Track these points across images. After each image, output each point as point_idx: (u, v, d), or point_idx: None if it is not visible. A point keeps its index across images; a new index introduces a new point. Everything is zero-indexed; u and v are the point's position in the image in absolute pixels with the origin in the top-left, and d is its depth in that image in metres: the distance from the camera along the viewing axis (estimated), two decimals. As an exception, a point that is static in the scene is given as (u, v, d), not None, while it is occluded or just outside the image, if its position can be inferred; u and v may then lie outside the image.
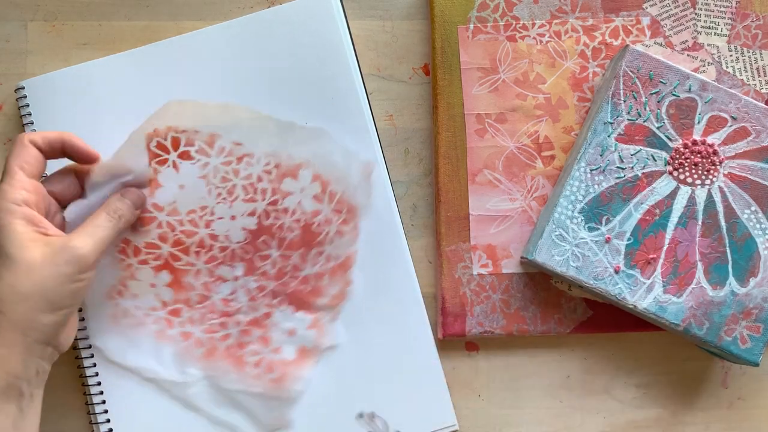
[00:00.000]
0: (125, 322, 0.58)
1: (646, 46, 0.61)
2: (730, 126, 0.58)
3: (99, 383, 0.58)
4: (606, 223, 0.57)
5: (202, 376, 0.58)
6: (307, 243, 0.58)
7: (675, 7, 0.61)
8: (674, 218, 0.57)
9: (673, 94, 0.58)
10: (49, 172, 0.55)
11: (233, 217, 0.58)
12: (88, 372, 0.58)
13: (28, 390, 0.50)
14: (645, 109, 0.57)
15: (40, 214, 0.51)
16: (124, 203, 0.54)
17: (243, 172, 0.58)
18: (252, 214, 0.58)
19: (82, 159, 0.54)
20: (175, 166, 0.57)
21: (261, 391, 0.58)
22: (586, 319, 0.60)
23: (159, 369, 0.58)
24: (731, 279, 0.57)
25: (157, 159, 0.56)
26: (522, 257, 0.59)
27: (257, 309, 0.58)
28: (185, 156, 0.57)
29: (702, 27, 0.61)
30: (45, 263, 0.48)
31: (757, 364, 0.57)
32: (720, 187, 0.57)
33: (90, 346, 0.58)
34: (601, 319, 0.60)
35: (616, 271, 0.57)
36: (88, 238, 0.51)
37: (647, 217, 0.57)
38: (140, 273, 0.58)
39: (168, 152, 0.57)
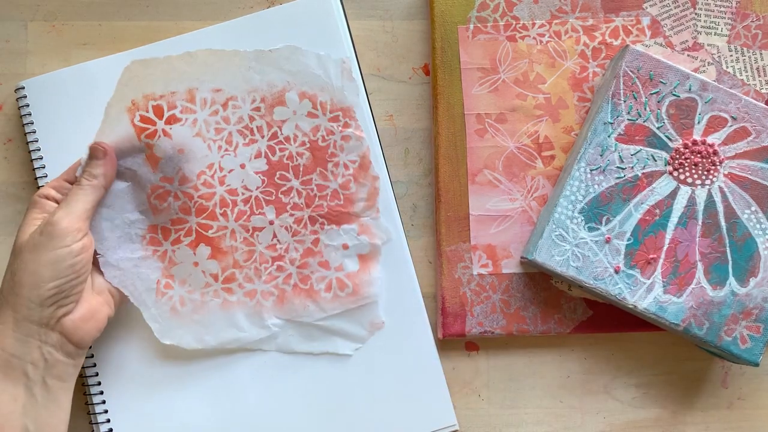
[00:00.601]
0: (186, 309, 0.58)
1: (646, 46, 0.61)
2: (730, 126, 0.58)
3: (99, 383, 0.58)
4: (606, 223, 0.57)
5: (284, 321, 0.59)
6: (321, 160, 0.58)
7: (675, 7, 0.61)
8: (674, 218, 0.57)
9: (673, 94, 0.58)
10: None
11: (242, 166, 0.58)
12: (88, 372, 0.58)
13: (37, 375, 0.51)
14: (645, 109, 0.57)
15: None
16: (94, 165, 0.54)
17: (233, 117, 0.58)
18: (258, 155, 0.58)
19: None
20: (165, 133, 0.56)
21: (342, 310, 0.59)
22: (586, 319, 0.60)
23: (241, 335, 0.58)
24: (731, 279, 0.57)
25: (146, 132, 0.56)
26: (522, 257, 0.59)
27: (304, 241, 0.58)
28: (172, 120, 0.57)
29: (702, 27, 0.61)
30: (28, 239, 0.52)
31: (757, 364, 0.57)
32: (720, 187, 0.57)
33: (90, 346, 0.58)
34: (601, 319, 0.60)
35: (616, 271, 0.57)
36: (60, 208, 0.53)
37: (647, 217, 0.57)
38: (179, 255, 0.58)
39: (154, 123, 0.56)
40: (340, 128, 0.58)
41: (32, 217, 0.53)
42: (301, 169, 0.58)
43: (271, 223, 0.58)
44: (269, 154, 0.58)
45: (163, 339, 0.58)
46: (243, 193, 0.58)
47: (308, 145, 0.58)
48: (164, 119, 0.56)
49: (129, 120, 0.56)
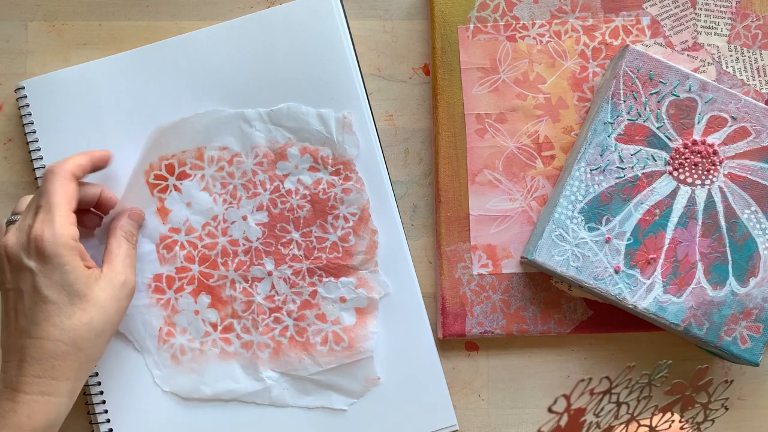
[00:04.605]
0: (186, 358, 0.59)
1: (646, 46, 0.61)
2: (730, 126, 0.58)
3: (99, 383, 0.58)
4: (606, 223, 0.57)
5: (279, 375, 0.59)
6: (321, 213, 0.59)
7: (675, 7, 0.61)
8: (674, 218, 0.57)
9: (673, 94, 0.58)
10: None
11: (244, 217, 0.59)
12: (88, 372, 0.58)
13: None
14: (645, 109, 0.57)
15: None
16: (132, 225, 0.56)
17: (238, 173, 0.59)
18: (260, 208, 0.59)
19: (102, 165, 0.57)
20: (176, 188, 0.59)
21: (338, 365, 0.59)
22: (586, 319, 0.60)
23: (235, 386, 0.59)
24: (731, 279, 0.57)
25: (158, 188, 0.58)
26: (522, 257, 0.59)
27: (301, 293, 0.59)
28: (182, 176, 0.59)
29: (702, 27, 0.61)
30: (111, 300, 0.51)
31: (757, 364, 0.57)
32: (720, 187, 0.57)
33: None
34: (601, 319, 0.60)
35: (616, 271, 0.57)
36: (130, 269, 0.54)
37: (647, 217, 0.57)
38: (181, 303, 0.59)
39: (166, 179, 0.59)
40: (341, 181, 0.59)
41: (76, 264, 0.50)
42: (301, 221, 0.59)
43: (270, 274, 0.59)
44: (271, 206, 0.59)
45: (164, 386, 0.59)
46: (244, 244, 0.59)
47: (309, 198, 0.59)
48: (175, 175, 0.59)
49: (145, 180, 0.58)
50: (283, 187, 0.59)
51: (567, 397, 0.40)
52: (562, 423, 0.41)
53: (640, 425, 0.44)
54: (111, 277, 0.52)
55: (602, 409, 0.42)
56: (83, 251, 0.52)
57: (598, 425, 0.42)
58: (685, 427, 0.45)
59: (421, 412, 0.59)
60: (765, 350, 0.58)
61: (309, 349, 0.59)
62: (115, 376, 0.59)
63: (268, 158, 0.59)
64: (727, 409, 0.44)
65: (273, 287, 0.59)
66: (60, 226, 0.50)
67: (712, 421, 0.45)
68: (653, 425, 0.44)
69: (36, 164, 0.59)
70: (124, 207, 0.57)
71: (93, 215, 0.58)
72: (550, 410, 0.39)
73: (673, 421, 0.44)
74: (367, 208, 0.59)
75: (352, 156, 0.59)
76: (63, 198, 0.51)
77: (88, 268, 0.52)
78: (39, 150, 0.59)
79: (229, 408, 0.59)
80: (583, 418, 0.41)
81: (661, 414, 0.43)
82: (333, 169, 0.59)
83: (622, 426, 0.43)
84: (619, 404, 0.42)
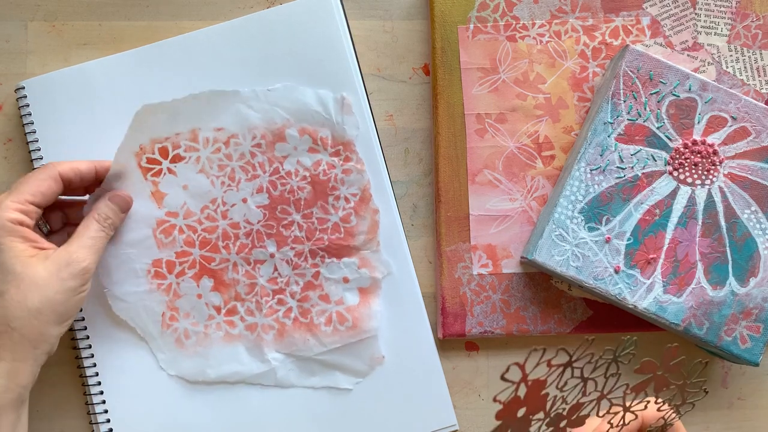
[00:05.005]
0: (190, 342, 0.59)
1: (646, 46, 0.61)
2: (730, 126, 0.58)
3: (99, 383, 0.58)
4: (606, 223, 0.57)
5: (284, 356, 0.59)
6: (322, 194, 0.59)
7: (675, 7, 0.61)
8: (674, 218, 0.57)
9: (673, 94, 0.58)
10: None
11: (244, 200, 0.59)
12: (88, 372, 0.58)
13: (26, 396, 0.51)
14: (645, 109, 0.57)
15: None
16: (111, 209, 0.55)
17: (235, 154, 0.59)
18: (260, 190, 0.59)
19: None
20: (170, 171, 0.58)
21: (342, 344, 0.59)
22: (586, 319, 0.60)
23: (241, 368, 0.59)
24: (731, 279, 0.57)
25: (151, 172, 0.58)
26: (522, 257, 0.59)
27: (304, 274, 0.59)
28: (177, 158, 0.58)
29: (702, 27, 0.61)
30: (52, 279, 0.50)
31: (757, 364, 0.57)
32: (720, 187, 0.57)
33: (90, 346, 0.58)
34: (601, 319, 0.60)
35: (616, 271, 0.57)
36: (87, 250, 0.52)
37: (647, 217, 0.57)
38: (183, 287, 0.58)
39: (159, 163, 0.58)
40: (341, 162, 0.59)
41: (13, 245, 0.50)
42: (302, 202, 0.59)
43: (272, 256, 0.59)
44: (271, 188, 0.59)
45: (169, 370, 0.59)
46: (245, 227, 0.59)
47: (309, 179, 0.59)
48: (169, 158, 0.58)
49: (136, 163, 0.57)
50: (283, 169, 0.59)
51: (521, 366, 0.39)
52: (521, 393, 0.40)
53: (612, 404, 0.43)
54: (59, 257, 0.51)
55: (565, 383, 0.41)
56: (29, 234, 0.51)
57: (564, 400, 0.42)
58: (663, 408, 0.45)
59: (421, 411, 0.59)
60: (765, 350, 0.58)
61: (313, 329, 0.59)
62: (115, 376, 0.59)
63: (266, 139, 0.59)
64: (706, 392, 0.43)
65: (276, 269, 0.59)
66: (4, 209, 0.50)
67: (693, 404, 0.44)
68: (627, 405, 0.44)
69: (36, 164, 0.59)
70: (110, 189, 0.56)
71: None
72: (503, 378, 0.38)
73: (648, 401, 0.44)
74: (368, 189, 0.59)
75: (351, 137, 0.59)
76: (29, 189, 0.52)
77: (42, 249, 0.51)
78: (39, 150, 0.59)
79: (235, 390, 0.59)
80: (545, 391, 0.41)
81: (633, 394, 0.42)
82: (333, 150, 0.59)
83: (593, 403, 0.42)
84: (585, 380, 0.41)
